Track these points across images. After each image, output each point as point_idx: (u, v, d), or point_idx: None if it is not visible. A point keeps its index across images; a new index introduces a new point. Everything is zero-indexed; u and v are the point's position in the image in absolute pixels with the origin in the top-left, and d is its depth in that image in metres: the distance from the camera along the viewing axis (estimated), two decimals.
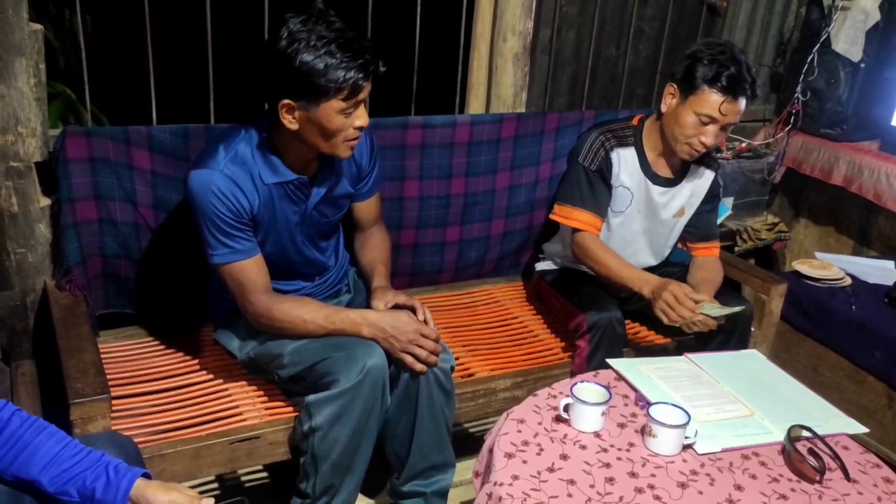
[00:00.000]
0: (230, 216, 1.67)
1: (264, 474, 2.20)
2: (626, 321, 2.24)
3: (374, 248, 2.01)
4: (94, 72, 2.08)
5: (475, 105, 2.60)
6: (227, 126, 1.78)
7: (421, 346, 1.74)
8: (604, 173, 2.17)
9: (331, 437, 1.68)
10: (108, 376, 1.74)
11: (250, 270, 1.73)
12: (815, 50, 2.92)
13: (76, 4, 2.04)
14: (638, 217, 2.25)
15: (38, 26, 1.81)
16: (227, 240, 1.69)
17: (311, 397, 1.69)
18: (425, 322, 1.79)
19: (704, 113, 2.02)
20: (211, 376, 1.96)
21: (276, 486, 2.16)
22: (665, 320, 1.99)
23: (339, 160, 1.79)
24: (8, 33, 1.74)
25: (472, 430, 2.49)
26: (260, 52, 1.62)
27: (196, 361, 2.02)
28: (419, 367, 1.75)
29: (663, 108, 2.12)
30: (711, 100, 2.00)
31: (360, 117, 1.66)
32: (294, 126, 1.63)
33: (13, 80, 1.78)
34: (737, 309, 2.05)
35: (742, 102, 2.02)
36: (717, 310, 1.99)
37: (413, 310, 1.81)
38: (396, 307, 1.82)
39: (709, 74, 2.00)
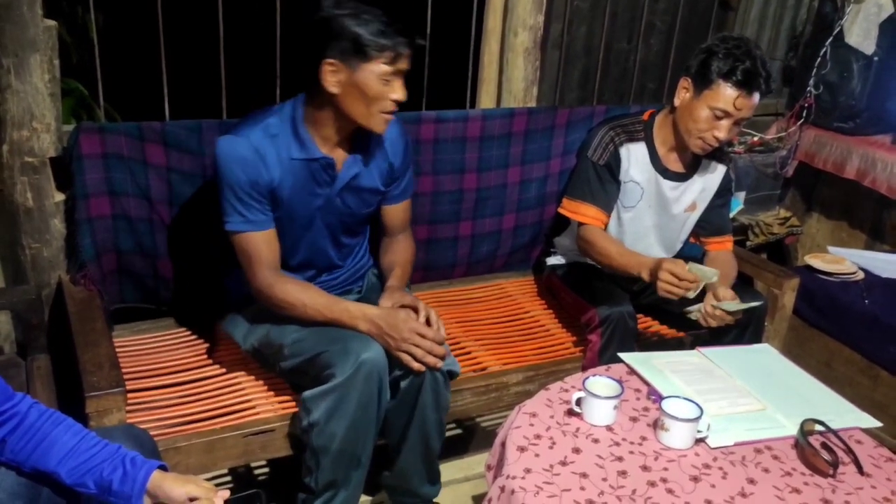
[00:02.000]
0: (248, 185, 1.68)
1: (277, 468, 2.21)
2: (638, 315, 2.24)
3: (396, 252, 2.00)
4: (107, 68, 2.10)
5: (486, 100, 2.60)
6: (270, 105, 1.80)
7: (417, 345, 1.71)
8: (612, 168, 2.16)
9: (328, 430, 1.67)
10: (123, 370, 1.75)
11: (260, 243, 1.74)
12: (827, 43, 2.90)
13: (89, 2, 2.06)
14: (649, 212, 2.24)
15: (52, 23, 1.83)
16: (242, 208, 1.70)
17: (307, 393, 1.70)
18: (427, 322, 1.77)
19: (719, 107, 2.01)
20: (225, 370, 1.97)
21: (289, 480, 2.18)
22: (674, 297, 1.95)
23: (370, 147, 1.81)
24: (23, 29, 1.76)
25: (483, 423, 2.50)
26: (301, 18, 1.66)
27: (210, 355, 2.03)
28: (416, 365, 1.71)
29: (677, 102, 2.11)
30: (726, 94, 2.00)
31: (398, 90, 1.68)
32: (336, 89, 1.65)
33: (28, 76, 1.80)
34: (754, 304, 2.04)
35: (756, 97, 2.02)
36: (735, 305, 1.98)
37: (416, 310, 1.79)
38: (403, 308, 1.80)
39: (724, 68, 1.99)
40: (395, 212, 1.98)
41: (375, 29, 1.61)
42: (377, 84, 1.65)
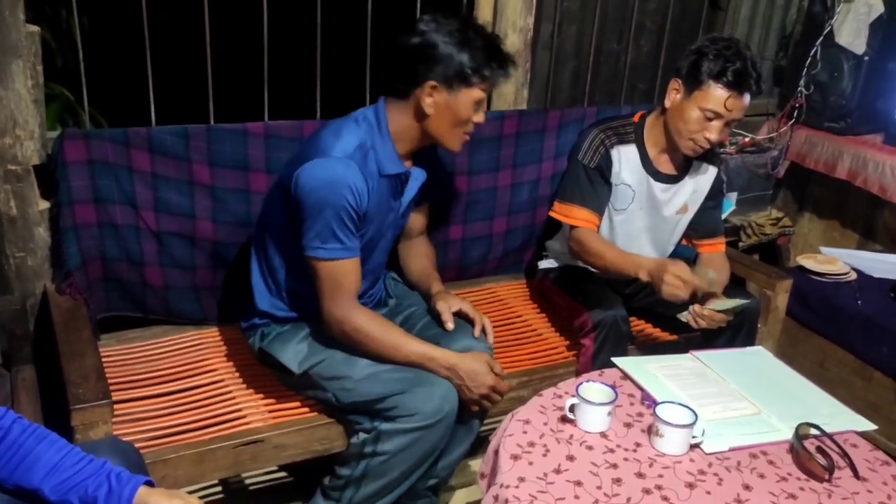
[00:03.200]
0: (355, 209, 1.65)
1: (269, 477, 2.19)
2: (632, 318, 2.23)
3: (425, 256, 2.04)
4: (93, 73, 2.07)
5: None
6: (339, 119, 1.77)
7: (491, 400, 1.78)
8: (603, 171, 2.15)
9: (392, 462, 1.70)
10: (110, 380, 1.73)
11: (350, 271, 1.71)
12: (818, 43, 2.89)
13: (73, 5, 2.03)
14: (640, 214, 2.23)
15: (34, 28, 1.80)
16: (343, 235, 1.66)
17: (385, 426, 1.69)
18: (484, 333, 1.87)
19: (710, 108, 2.00)
20: (214, 379, 1.95)
21: (281, 490, 2.15)
22: (677, 300, 1.94)
23: (431, 161, 1.86)
24: (4, 35, 1.73)
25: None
26: (406, 42, 1.69)
27: (199, 364, 2.00)
28: (479, 410, 1.81)
29: (667, 104, 2.10)
30: (717, 95, 1.99)
31: (481, 114, 1.76)
32: (431, 110, 1.69)
33: (10, 83, 1.77)
34: (743, 301, 2.03)
35: (747, 98, 2.01)
36: (723, 303, 1.97)
37: (473, 323, 1.87)
38: (459, 314, 1.87)
39: (714, 69, 1.98)
40: (422, 214, 2.02)
41: (479, 58, 1.67)
42: (469, 109, 1.71)
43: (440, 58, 1.66)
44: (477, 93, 1.70)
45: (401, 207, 1.83)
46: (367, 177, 1.67)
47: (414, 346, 1.74)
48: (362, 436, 1.73)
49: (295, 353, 1.80)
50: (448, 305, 1.86)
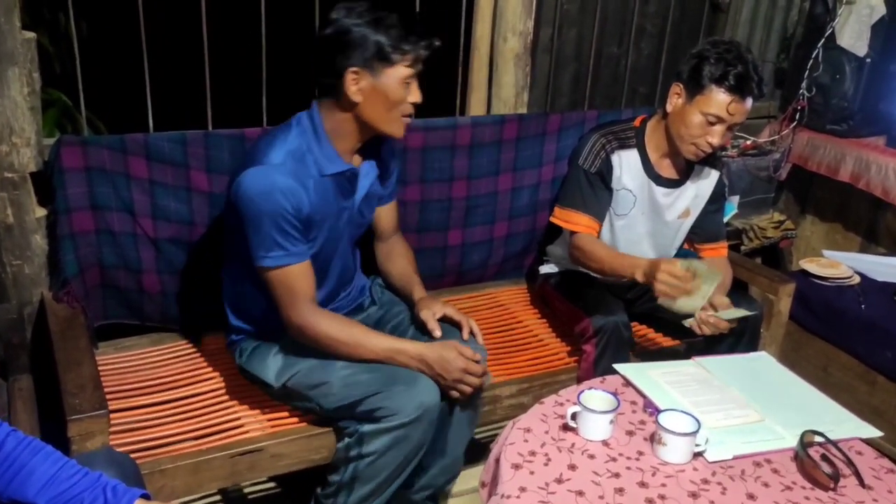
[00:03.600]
0: (292, 215, 1.62)
1: (263, 487, 2.17)
2: (633, 323, 2.21)
3: (403, 256, 2.00)
4: (91, 78, 2.06)
5: (476, 107, 2.57)
6: (278, 126, 1.74)
7: (467, 384, 1.74)
8: (604, 176, 2.13)
9: (380, 463, 1.68)
10: (107, 389, 1.72)
11: (301, 276, 1.68)
12: (819, 45, 2.88)
13: (70, 10, 2.01)
14: (642, 219, 2.21)
15: (30, 34, 1.79)
16: (284, 241, 1.63)
17: (366, 427, 1.68)
18: (472, 334, 1.83)
19: (712, 113, 1.98)
20: (212, 387, 1.93)
21: (279, 498, 2.14)
22: (673, 305, 1.93)
23: (382, 154, 1.82)
24: (0, 42, 1.71)
25: (477, 436, 2.45)
26: (322, 29, 1.65)
27: (197, 372, 1.99)
28: (461, 398, 1.77)
29: (669, 108, 2.08)
30: (719, 99, 1.97)
31: (415, 93, 1.70)
32: (358, 97, 1.65)
33: (6, 90, 1.76)
34: (749, 313, 2.02)
35: (749, 102, 1.99)
36: (730, 313, 1.96)
37: (460, 326, 1.83)
38: (444, 319, 1.83)
39: (716, 73, 1.96)
40: (389, 212, 1.97)
41: (397, 34, 1.62)
42: (399, 88, 1.66)
43: (355, 42, 1.61)
44: (402, 70, 1.65)
45: (354, 205, 1.79)
46: (305, 180, 1.65)
47: (380, 342, 1.72)
48: (347, 440, 1.71)
49: (272, 367, 1.79)
50: (432, 312, 1.82)
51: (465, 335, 1.83)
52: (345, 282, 1.91)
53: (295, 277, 1.67)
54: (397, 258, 1.99)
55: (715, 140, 2.02)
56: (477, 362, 1.75)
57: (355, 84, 1.64)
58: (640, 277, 1.96)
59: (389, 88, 1.65)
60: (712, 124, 2.00)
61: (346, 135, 1.72)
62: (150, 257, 2.00)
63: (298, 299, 1.68)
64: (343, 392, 1.71)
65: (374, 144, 1.80)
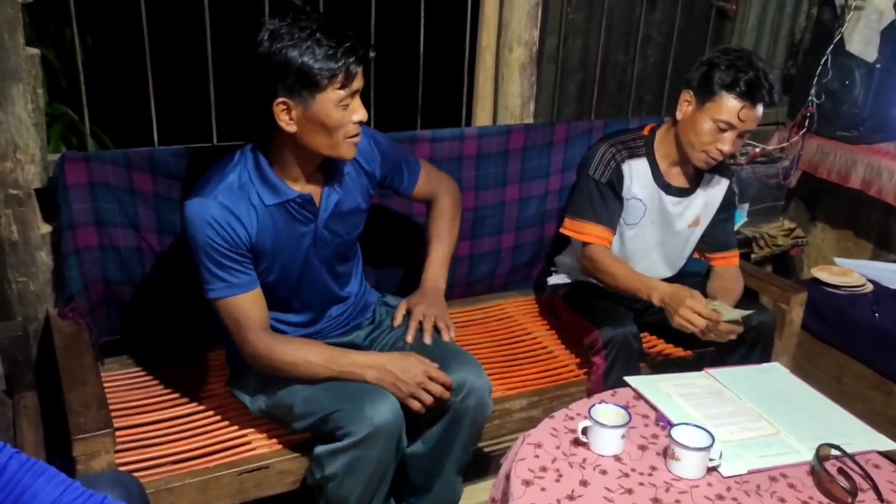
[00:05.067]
0: (225, 247, 1.59)
1: None
2: (643, 334, 2.19)
3: (438, 216, 1.98)
4: (97, 92, 2.05)
5: (482, 117, 2.55)
6: (226, 155, 1.70)
7: (428, 391, 1.67)
8: (614, 186, 2.12)
9: (345, 486, 1.63)
10: (113, 406, 1.70)
11: (247, 306, 1.63)
12: (828, 51, 2.85)
13: (73, 25, 2.01)
14: (652, 229, 2.19)
15: (34, 51, 1.79)
16: (222, 272, 1.60)
17: (319, 449, 1.64)
18: (447, 328, 1.80)
19: (723, 119, 1.96)
20: (218, 403, 1.91)
21: None
22: (688, 331, 1.93)
23: (342, 170, 1.73)
24: (3, 59, 1.71)
25: (486, 449, 2.43)
26: (246, 59, 1.54)
27: (203, 389, 1.97)
28: (420, 409, 1.68)
29: (679, 116, 2.06)
30: (730, 105, 1.95)
31: (358, 110, 1.58)
32: (292, 128, 1.55)
33: (10, 107, 1.75)
34: (748, 311, 1.98)
35: (760, 109, 1.97)
36: (729, 312, 1.92)
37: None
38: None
39: (727, 80, 1.95)
40: (421, 188, 1.94)
41: (321, 54, 1.49)
42: (335, 112, 1.54)
43: (277, 69, 1.49)
44: (333, 94, 1.52)
45: (318, 228, 1.72)
46: (241, 212, 1.59)
47: (341, 359, 1.67)
48: (312, 467, 1.67)
49: (248, 389, 1.79)
50: (403, 311, 1.87)
51: (410, 338, 1.81)
52: (331, 301, 1.86)
53: (241, 308, 1.63)
54: (432, 218, 1.99)
55: (726, 147, 1.99)
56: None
57: (286, 114, 1.54)
58: (655, 301, 1.96)
59: (323, 114, 1.53)
60: (723, 131, 1.98)
61: (291, 164, 1.64)
62: (156, 272, 1.99)
63: (247, 329, 1.63)
64: (305, 413, 1.67)
65: (334, 165, 1.70)
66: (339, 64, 1.50)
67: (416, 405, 1.67)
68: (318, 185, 1.71)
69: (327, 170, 1.71)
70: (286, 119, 1.55)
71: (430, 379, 1.67)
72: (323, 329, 1.86)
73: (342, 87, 1.53)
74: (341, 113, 1.55)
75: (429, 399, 1.67)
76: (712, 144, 2.00)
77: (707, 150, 2.01)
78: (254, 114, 1.59)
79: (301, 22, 1.51)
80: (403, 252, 2.24)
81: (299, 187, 1.67)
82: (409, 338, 1.81)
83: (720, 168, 2.19)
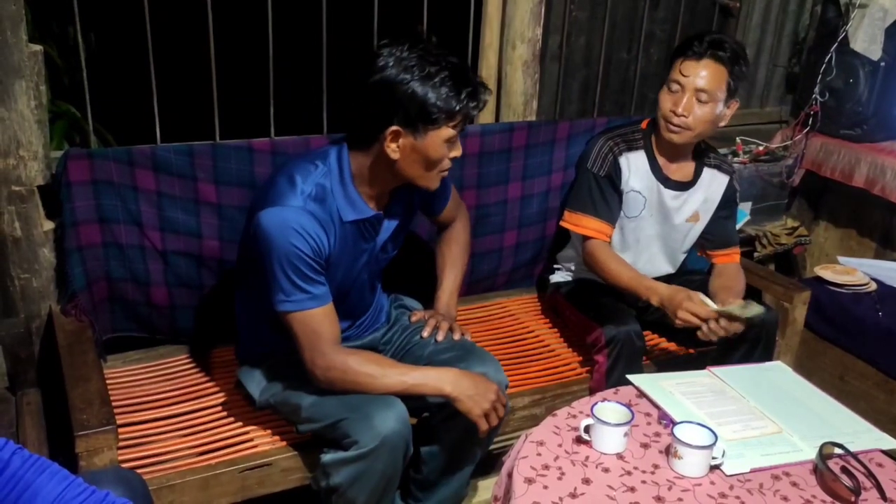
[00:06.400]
0: (312, 257, 1.55)
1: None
2: (646, 332, 2.19)
3: (450, 241, 2.00)
4: (100, 89, 2.05)
5: (485, 115, 2.55)
6: (297, 158, 1.66)
7: (499, 416, 1.68)
8: (613, 179, 2.12)
9: (350, 495, 1.61)
10: (115, 402, 1.70)
11: (325, 319, 1.60)
12: (832, 49, 2.84)
13: (76, 22, 2.01)
14: (651, 221, 2.19)
15: (37, 47, 1.78)
16: (305, 284, 1.56)
17: (326, 457, 1.62)
18: (461, 333, 1.83)
19: (671, 79, 2.03)
20: (221, 401, 1.91)
21: None
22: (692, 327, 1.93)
23: (415, 193, 1.75)
24: (7, 56, 1.71)
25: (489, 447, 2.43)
26: (363, 80, 1.54)
27: (205, 386, 1.97)
28: (486, 430, 1.68)
29: None
30: (676, 66, 2.03)
31: (458, 148, 1.62)
32: (396, 155, 1.56)
33: (13, 103, 1.75)
34: (749, 306, 1.96)
35: (708, 64, 1.99)
36: (729, 308, 1.92)
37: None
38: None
39: (679, 50, 2.04)
40: (448, 212, 1.96)
41: (444, 94, 1.51)
42: (441, 148, 1.57)
43: (401, 100, 1.50)
44: (447, 131, 1.55)
45: (376, 247, 1.73)
46: (326, 224, 1.58)
47: (415, 373, 1.65)
48: (317, 470, 1.66)
49: (258, 379, 1.77)
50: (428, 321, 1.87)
51: (426, 333, 1.83)
52: (358, 314, 1.85)
53: (319, 321, 1.59)
54: (442, 244, 2.00)
55: (678, 108, 2.02)
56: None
57: (394, 142, 1.55)
58: (655, 302, 1.98)
59: (430, 149, 1.56)
60: (675, 92, 2.03)
61: (374, 183, 1.64)
62: (158, 270, 1.99)
63: (323, 343, 1.60)
64: (313, 417, 1.66)
65: (404, 189, 1.72)
66: (461, 106, 1.54)
67: (483, 426, 1.65)
68: (385, 205, 1.72)
69: (396, 191, 1.72)
70: (393, 146, 1.56)
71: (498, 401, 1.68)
72: (350, 336, 1.83)
73: (455, 128, 1.56)
74: (445, 150, 1.59)
75: (494, 421, 1.67)
76: (670, 110, 2.03)
77: (666, 116, 2.06)
78: (361, 133, 1.60)
79: (430, 57, 1.52)
80: (409, 261, 2.24)
81: (373, 205, 1.67)
82: (426, 333, 1.82)
83: (720, 164, 2.20)
